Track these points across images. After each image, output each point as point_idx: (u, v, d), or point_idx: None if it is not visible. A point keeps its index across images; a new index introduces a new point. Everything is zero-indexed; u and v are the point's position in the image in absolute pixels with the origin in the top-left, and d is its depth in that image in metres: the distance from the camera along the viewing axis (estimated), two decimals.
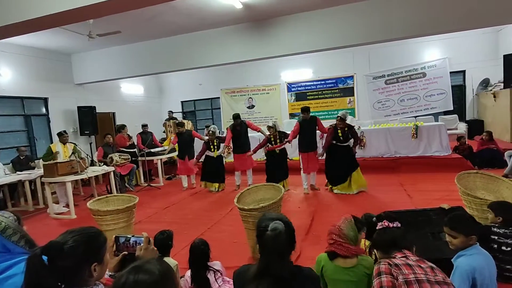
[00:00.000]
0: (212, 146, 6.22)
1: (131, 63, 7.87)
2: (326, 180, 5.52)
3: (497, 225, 2.43)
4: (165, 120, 10.00)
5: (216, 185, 6.22)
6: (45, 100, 7.73)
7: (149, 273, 0.86)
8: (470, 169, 5.22)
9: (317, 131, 5.62)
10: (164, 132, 10.05)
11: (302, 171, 5.57)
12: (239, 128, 6.05)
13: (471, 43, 8.91)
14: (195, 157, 6.39)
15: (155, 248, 1.33)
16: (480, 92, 8.90)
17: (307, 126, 5.43)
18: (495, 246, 2.34)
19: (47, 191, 5.30)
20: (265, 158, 6.97)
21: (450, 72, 8.96)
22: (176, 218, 4.67)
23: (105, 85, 9.33)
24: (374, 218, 2.50)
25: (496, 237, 2.35)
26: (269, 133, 5.69)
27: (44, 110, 7.76)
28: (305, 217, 4.12)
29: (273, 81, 10.88)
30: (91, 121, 8.30)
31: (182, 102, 12.51)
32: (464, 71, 9.25)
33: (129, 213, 3.52)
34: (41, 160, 6.50)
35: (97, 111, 8.50)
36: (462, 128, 8.45)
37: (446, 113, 9.05)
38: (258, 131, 6.17)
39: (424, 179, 5.64)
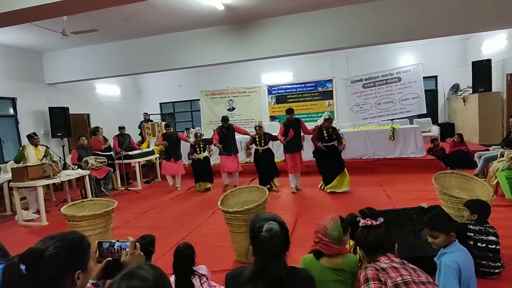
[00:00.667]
0: (198, 149, 6.35)
1: (107, 63, 7.61)
2: (322, 181, 5.66)
3: (472, 222, 2.54)
4: (141, 122, 9.73)
5: (209, 184, 6.39)
6: (13, 100, 7.29)
7: (142, 279, 0.81)
8: (443, 169, 5.44)
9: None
10: (140, 134, 9.75)
11: (289, 172, 5.74)
12: (226, 131, 6.13)
13: (442, 50, 9.39)
14: (188, 156, 6.48)
15: (142, 253, 1.27)
16: (451, 96, 9.37)
17: (291, 127, 5.59)
18: (471, 242, 2.45)
19: (15, 197, 4.99)
20: (246, 161, 7.01)
21: (423, 77, 9.39)
22: (156, 222, 4.54)
23: (79, 85, 8.96)
24: (359, 218, 2.55)
25: (472, 234, 2.47)
26: (255, 132, 5.93)
27: (12, 110, 7.31)
28: (289, 219, 4.11)
29: (254, 83, 10.92)
30: (64, 122, 7.93)
31: (160, 104, 12.26)
32: (436, 77, 9.71)
33: (107, 218, 3.38)
34: (7, 164, 6.14)
35: (70, 113, 8.14)
36: (435, 130, 8.85)
37: (420, 116, 9.45)
38: (245, 134, 6.45)
39: (402, 180, 5.84)
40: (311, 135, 5.62)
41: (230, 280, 1.30)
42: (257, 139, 5.88)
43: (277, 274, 1.12)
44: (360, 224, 1.72)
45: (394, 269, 1.50)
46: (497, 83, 7.64)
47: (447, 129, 8.96)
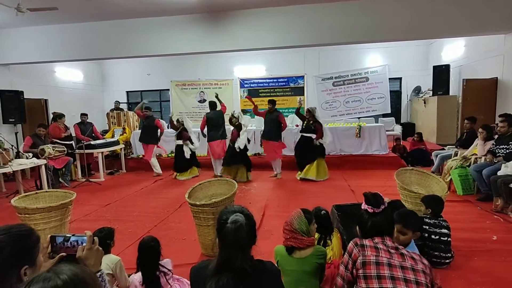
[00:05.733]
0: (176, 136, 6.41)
1: (68, 45, 7.11)
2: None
3: (428, 216, 2.72)
4: (109, 110, 9.24)
5: (186, 174, 6.42)
6: None
7: (49, 280, 0.70)
8: (404, 167, 5.74)
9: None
10: (107, 123, 9.28)
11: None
12: (214, 116, 6.32)
13: (407, 53, 9.89)
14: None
15: (100, 248, 1.19)
16: (413, 98, 9.90)
17: (269, 116, 6.02)
18: (426, 235, 2.61)
19: None
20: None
21: (389, 78, 9.80)
22: (119, 215, 4.35)
23: (36, 68, 8.32)
24: (323, 212, 2.63)
25: (427, 227, 2.63)
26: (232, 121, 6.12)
27: None
28: (256, 212, 4.14)
29: (226, 76, 10.76)
30: (18, 107, 7.33)
31: (127, 92, 11.75)
32: (400, 78, 10.21)
33: (63, 211, 3.17)
34: None
35: (25, 97, 7.53)
36: (398, 129, 9.30)
37: (384, 115, 9.89)
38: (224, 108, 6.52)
39: (366, 175, 6.11)
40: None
41: (195, 273, 1.27)
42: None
43: (242, 267, 1.11)
44: (362, 207, 1.69)
45: (375, 249, 1.50)
46: (454, 87, 8.19)
47: (409, 129, 9.47)
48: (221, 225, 1.18)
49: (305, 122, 5.88)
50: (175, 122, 6.47)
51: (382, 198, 1.66)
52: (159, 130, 6.71)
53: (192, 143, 6.43)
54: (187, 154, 6.35)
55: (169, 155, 7.35)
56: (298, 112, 6.11)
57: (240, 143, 5.86)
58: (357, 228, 1.70)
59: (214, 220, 2.85)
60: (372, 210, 1.61)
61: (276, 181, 6.04)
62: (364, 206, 1.66)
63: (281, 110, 10.22)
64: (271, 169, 6.37)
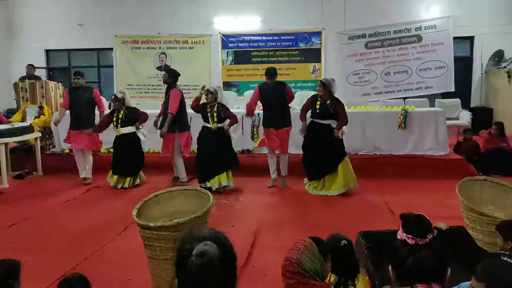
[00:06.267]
0: (115, 119, 6.35)
1: None
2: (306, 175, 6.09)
3: (507, 253, 2.71)
4: (19, 80, 9.11)
5: (128, 179, 6.48)
6: None
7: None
8: (473, 175, 5.77)
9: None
10: (15, 99, 9.16)
11: (268, 153, 6.34)
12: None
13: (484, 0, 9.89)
14: (93, 129, 6.61)
15: None
16: (491, 69, 9.97)
17: (271, 93, 5.94)
18: None
19: None
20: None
21: (454, 38, 9.80)
22: (31, 241, 4.38)
23: None
24: (344, 242, 2.61)
25: None
26: (206, 100, 5.99)
27: None
28: (242, 241, 4.14)
29: (202, 30, 10.74)
30: None
31: (47, 51, 11.71)
32: (472, 38, 10.28)
33: None
34: None
35: None
36: (465, 118, 9.34)
37: (444, 95, 9.91)
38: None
39: (412, 188, 6.14)
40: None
41: None
42: (208, 109, 5.96)
43: None
44: (398, 237, 1.66)
45: None
46: None
47: (483, 117, 9.55)
48: (183, 259, 1.16)
49: (318, 102, 5.73)
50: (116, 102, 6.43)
51: (429, 223, 1.65)
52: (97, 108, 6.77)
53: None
54: (143, 144, 6.57)
55: (111, 150, 7.28)
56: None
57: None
58: (390, 267, 1.68)
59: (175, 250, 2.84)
60: (413, 241, 1.59)
61: (274, 192, 6.05)
62: (401, 234, 1.64)
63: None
64: (266, 172, 6.38)
